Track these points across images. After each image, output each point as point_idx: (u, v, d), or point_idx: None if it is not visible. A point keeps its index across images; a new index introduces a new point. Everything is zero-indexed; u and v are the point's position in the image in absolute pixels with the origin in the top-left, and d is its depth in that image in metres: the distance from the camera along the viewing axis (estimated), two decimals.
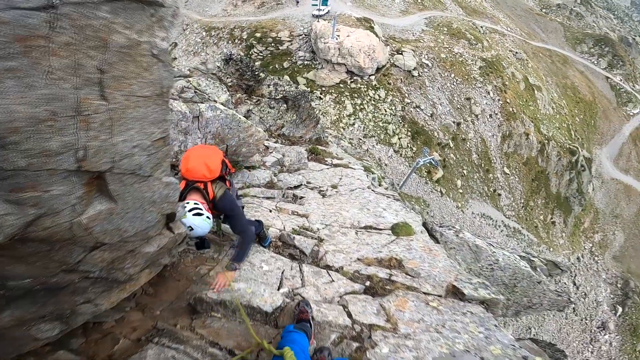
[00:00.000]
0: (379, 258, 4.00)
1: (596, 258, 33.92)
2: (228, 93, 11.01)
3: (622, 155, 42.41)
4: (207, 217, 2.61)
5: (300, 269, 3.42)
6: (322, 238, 4.29)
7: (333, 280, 3.33)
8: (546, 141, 33.85)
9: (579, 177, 35.47)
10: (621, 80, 48.65)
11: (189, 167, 2.79)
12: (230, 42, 31.44)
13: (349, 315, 2.85)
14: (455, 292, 3.54)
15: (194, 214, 2.54)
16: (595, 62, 49.97)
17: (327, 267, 3.65)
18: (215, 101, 7.51)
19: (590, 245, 34.78)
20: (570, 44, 51.51)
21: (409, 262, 3.96)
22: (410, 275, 3.73)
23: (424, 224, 5.93)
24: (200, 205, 2.60)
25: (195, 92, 8.31)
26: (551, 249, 30.59)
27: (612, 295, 31.15)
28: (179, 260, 3.14)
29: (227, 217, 2.99)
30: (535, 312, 6.10)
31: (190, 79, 9.80)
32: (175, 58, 32.20)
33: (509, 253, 5.85)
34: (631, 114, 45.95)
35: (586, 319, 28.61)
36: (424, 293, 3.44)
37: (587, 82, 46.24)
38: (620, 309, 29.81)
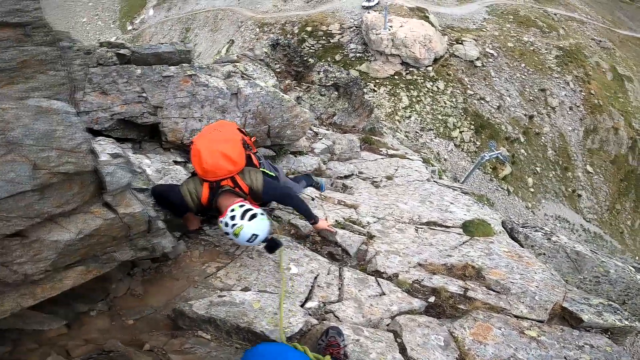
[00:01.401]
0: (448, 264, 2.98)
1: None
2: (276, 78, 10.50)
3: None
4: (261, 213, 2.16)
5: (340, 275, 2.54)
6: (373, 234, 3.36)
7: (384, 293, 2.41)
8: (639, 137, 29.32)
9: None
10: None
11: (206, 167, 2.26)
12: (282, 37, 31.67)
13: (402, 349, 1.94)
14: (564, 317, 2.48)
15: (248, 219, 2.07)
16: None
17: (377, 274, 2.73)
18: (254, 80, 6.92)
19: None
20: None
21: (492, 272, 2.88)
22: (494, 291, 2.68)
23: (503, 224, 4.72)
24: (247, 205, 2.16)
25: (242, 76, 7.86)
26: (637, 257, 26.15)
27: None
28: (185, 254, 2.44)
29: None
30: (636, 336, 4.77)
31: (237, 64, 9.43)
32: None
33: (622, 263, 4.47)
34: None
35: None
36: (517, 317, 2.44)
37: None
38: None
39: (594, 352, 2.12)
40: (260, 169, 2.58)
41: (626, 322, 2.50)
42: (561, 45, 31.49)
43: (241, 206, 2.11)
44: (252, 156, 2.62)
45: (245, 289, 2.11)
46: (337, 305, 2.16)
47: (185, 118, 4.85)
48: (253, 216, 2.08)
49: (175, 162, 4.60)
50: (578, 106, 28.83)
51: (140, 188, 2.43)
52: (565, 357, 2.05)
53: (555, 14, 37.30)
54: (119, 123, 4.35)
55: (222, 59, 10.68)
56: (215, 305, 1.81)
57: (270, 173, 2.67)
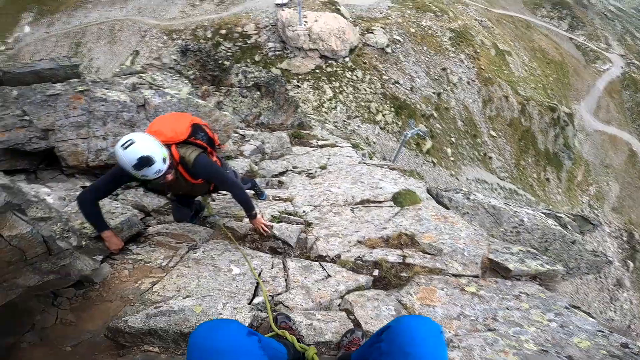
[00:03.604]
0: (384, 237, 3.14)
1: (596, 211, 34.03)
2: (190, 85, 9.99)
3: (601, 108, 43.26)
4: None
5: (285, 266, 2.53)
6: (311, 222, 3.40)
7: (329, 275, 2.45)
8: (525, 102, 34.58)
9: (563, 132, 35.92)
10: (584, 40, 49.28)
11: (152, 128, 2.47)
12: (194, 42, 30.20)
13: (357, 324, 1.98)
14: (494, 269, 2.72)
15: (124, 147, 2.01)
16: (557, 25, 50.37)
17: (320, 258, 2.77)
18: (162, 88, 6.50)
19: (588, 198, 34.90)
20: (529, 9, 51.90)
21: (424, 237, 3.11)
22: (429, 254, 2.88)
23: (428, 191, 5.11)
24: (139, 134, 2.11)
25: (150, 87, 7.29)
26: (550, 207, 30.65)
27: (620, 250, 31.17)
28: (112, 275, 2.22)
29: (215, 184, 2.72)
30: (571, 278, 5.37)
31: (143, 74, 8.73)
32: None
33: (532, 211, 5.07)
34: (601, 69, 46.72)
35: (600, 277, 28.42)
36: (454, 275, 2.61)
37: (553, 44, 46.92)
38: (631, 264, 29.76)
39: (530, 300, 2.20)
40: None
41: (547, 267, 2.66)
42: (452, 27, 34.92)
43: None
44: (206, 147, 2.64)
45: (187, 297, 1.98)
46: (285, 295, 2.14)
47: (85, 138, 4.35)
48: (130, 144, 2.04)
49: (83, 188, 4.13)
50: (474, 80, 32.50)
51: (41, 217, 2.14)
52: (507, 308, 2.11)
53: None
54: (3, 153, 3.75)
55: (123, 71, 9.80)
56: (153, 316, 1.66)
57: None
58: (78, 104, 4.36)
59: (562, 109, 36.85)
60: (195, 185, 2.59)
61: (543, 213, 5.15)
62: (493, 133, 32.09)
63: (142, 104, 5.16)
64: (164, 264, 2.38)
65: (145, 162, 2.01)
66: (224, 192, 3.44)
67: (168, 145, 2.34)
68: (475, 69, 32.80)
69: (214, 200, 3.43)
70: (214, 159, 2.78)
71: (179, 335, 1.55)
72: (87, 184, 4.44)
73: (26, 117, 3.95)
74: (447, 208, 4.63)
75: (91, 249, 2.34)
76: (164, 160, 2.13)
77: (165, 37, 32.56)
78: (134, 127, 5.03)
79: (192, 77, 11.20)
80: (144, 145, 2.02)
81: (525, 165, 32.81)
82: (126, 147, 2.00)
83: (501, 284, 2.43)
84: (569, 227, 5.03)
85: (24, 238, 1.26)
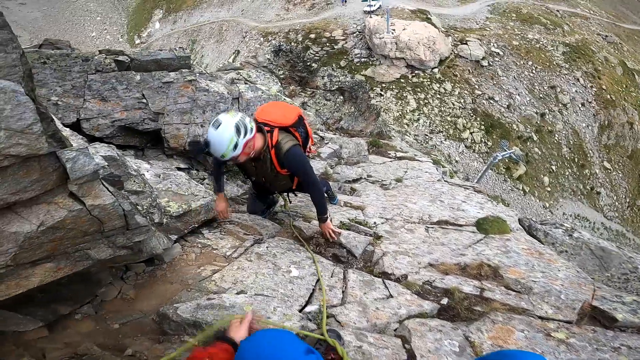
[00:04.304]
0: (461, 264, 2.78)
1: None
2: (280, 84, 10.49)
3: None
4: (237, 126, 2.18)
5: (345, 277, 2.37)
6: (380, 235, 3.19)
7: (391, 296, 2.23)
8: None
9: None
10: None
11: (264, 108, 2.73)
12: (286, 44, 32.02)
13: (411, 356, 1.75)
14: (595, 317, 2.24)
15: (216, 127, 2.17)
16: None
17: (384, 275, 2.55)
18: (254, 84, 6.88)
19: None
20: None
21: (510, 271, 2.67)
22: (514, 291, 2.47)
23: (520, 221, 4.47)
24: (233, 119, 2.21)
25: (245, 83, 7.85)
26: None
27: None
28: (180, 257, 2.32)
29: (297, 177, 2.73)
30: None
31: (241, 71, 9.44)
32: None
33: None
34: None
35: None
36: (541, 318, 2.21)
37: None
38: None
39: (632, 354, 1.89)
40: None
41: None
42: (567, 42, 31.13)
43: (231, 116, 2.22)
44: (299, 137, 2.72)
45: (241, 292, 1.96)
46: (340, 309, 1.99)
47: (187, 124, 4.79)
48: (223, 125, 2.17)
49: (178, 169, 4.53)
50: (590, 102, 28.25)
51: (135, 190, 2.35)
52: None
53: (557, 10, 36.92)
54: (120, 130, 4.31)
55: (225, 66, 10.72)
56: (203, 308, 1.67)
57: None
58: (185, 92, 4.82)
59: None
60: (279, 175, 2.62)
61: None
62: (607, 165, 27.40)
63: (237, 96, 5.55)
64: (228, 254, 2.42)
65: (211, 144, 2.20)
66: (301, 193, 3.45)
67: (272, 128, 2.51)
68: (594, 89, 28.62)
69: (290, 201, 3.45)
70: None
71: (222, 332, 1.52)
72: (182, 165, 4.89)
73: (143, 100, 4.49)
74: (542, 242, 4.01)
75: (170, 228, 2.49)
76: (235, 146, 2.20)
77: (262, 39, 35.15)
78: None
79: (282, 76, 11.78)
80: (219, 129, 2.17)
81: None
82: (210, 127, 2.23)
83: (599, 334, 2.01)
84: None
85: (105, 209, 1.33)
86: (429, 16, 30.66)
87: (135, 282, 2.08)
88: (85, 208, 1.26)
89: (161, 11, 47.29)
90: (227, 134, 2.14)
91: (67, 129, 2.91)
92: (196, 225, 2.67)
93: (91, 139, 4.09)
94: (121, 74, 4.27)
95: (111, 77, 4.18)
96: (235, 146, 2.18)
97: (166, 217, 2.60)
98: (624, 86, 30.05)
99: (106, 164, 1.69)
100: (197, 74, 5.35)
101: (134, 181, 2.55)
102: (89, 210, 1.27)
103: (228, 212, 2.95)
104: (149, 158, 4.70)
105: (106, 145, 2.81)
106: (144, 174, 3.19)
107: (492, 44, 29.59)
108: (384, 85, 27.65)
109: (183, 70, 4.99)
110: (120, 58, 4.34)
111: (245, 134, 2.21)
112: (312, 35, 31.63)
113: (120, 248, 1.53)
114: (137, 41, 46.52)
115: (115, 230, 1.43)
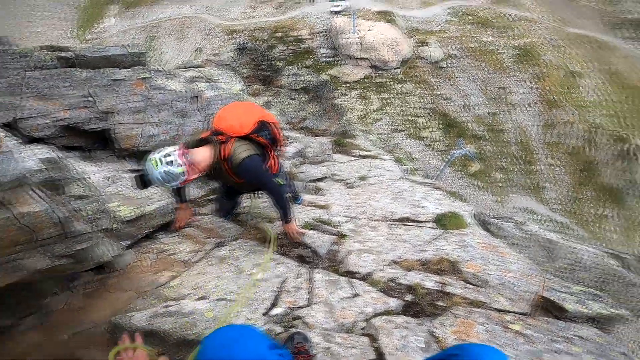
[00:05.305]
0: (422, 259, 2.86)
1: None
2: (243, 83, 10.25)
3: None
4: (169, 164, 2.05)
5: (310, 277, 2.35)
6: (345, 234, 3.20)
7: (357, 294, 2.24)
8: (593, 129, 31.46)
9: (631, 167, 32.17)
10: None
11: (220, 114, 2.58)
12: (252, 43, 31.46)
13: (379, 354, 1.76)
14: (547, 308, 2.38)
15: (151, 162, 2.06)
16: None
17: (350, 274, 2.56)
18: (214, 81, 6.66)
19: None
20: (608, 30, 47.58)
21: (468, 265, 2.79)
22: (472, 284, 2.57)
23: (475, 216, 4.70)
24: (169, 152, 2.10)
25: (206, 81, 7.58)
26: (604, 244, 27.70)
27: None
28: (135, 263, 2.18)
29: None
30: (624, 324, 4.77)
31: (201, 69, 9.11)
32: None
33: (593, 249, 4.52)
34: None
35: None
36: (498, 310, 2.30)
37: (633, 68, 42.44)
38: None
39: (584, 344, 1.99)
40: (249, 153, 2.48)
41: (612, 310, 2.38)
42: (517, 45, 33.05)
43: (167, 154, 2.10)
44: (267, 145, 2.68)
45: (201, 298, 1.87)
46: (306, 310, 1.96)
47: (141, 124, 4.52)
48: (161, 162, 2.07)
49: (130, 171, 4.26)
50: (535, 102, 30.32)
51: (79, 195, 2.16)
52: (555, 351, 1.91)
53: (509, 14, 39.36)
54: (63, 130, 3.96)
55: (184, 64, 10.29)
56: (160, 316, 1.57)
57: (280, 181, 2.77)
58: (138, 90, 4.54)
59: (635, 141, 33.24)
60: (240, 182, 2.58)
61: (605, 252, 4.59)
62: (551, 161, 29.67)
63: (196, 95, 5.32)
64: (187, 259, 2.31)
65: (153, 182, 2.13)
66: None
67: (227, 139, 2.41)
68: (539, 90, 30.77)
69: (259, 197, 3.35)
70: (272, 157, 2.79)
71: (181, 340, 1.44)
72: (135, 167, 4.60)
73: (90, 99, 4.17)
74: (495, 236, 4.24)
75: (121, 233, 2.33)
76: (173, 180, 2.13)
77: (226, 37, 34.26)
78: (185, 116, 5.18)
79: (245, 75, 11.54)
80: (150, 177, 2.08)
81: (583, 199, 29.92)
82: (150, 165, 2.10)
83: (552, 325, 2.12)
84: (632, 269, 4.42)
85: (36, 216, 1.20)
86: (394, 17, 31.54)
87: (84, 291, 1.93)
88: (13, 216, 1.13)
89: (117, 6, 44.55)
90: (157, 180, 2.08)
91: (1, 129, 2.62)
92: (151, 230, 2.52)
93: (31, 140, 3.74)
94: (64, 70, 3.93)
95: (53, 74, 3.84)
96: (174, 180, 2.11)
97: (116, 223, 2.44)
98: (566, 87, 32.59)
99: (44, 166, 1.53)
100: (152, 72, 5.07)
101: (78, 185, 2.36)
102: (17, 219, 1.14)
103: (184, 222, 2.88)
104: (97, 160, 4.38)
105: (46, 146, 2.57)
106: (89, 177, 2.96)
107: (450, 46, 30.96)
108: (348, 84, 28.06)
109: (136, 67, 4.70)
110: (64, 54, 4.00)
111: (176, 176, 2.11)
112: (279, 34, 31.40)
113: (59, 257, 1.40)
114: (88, 37, 43.44)
115: (51, 239, 1.30)
